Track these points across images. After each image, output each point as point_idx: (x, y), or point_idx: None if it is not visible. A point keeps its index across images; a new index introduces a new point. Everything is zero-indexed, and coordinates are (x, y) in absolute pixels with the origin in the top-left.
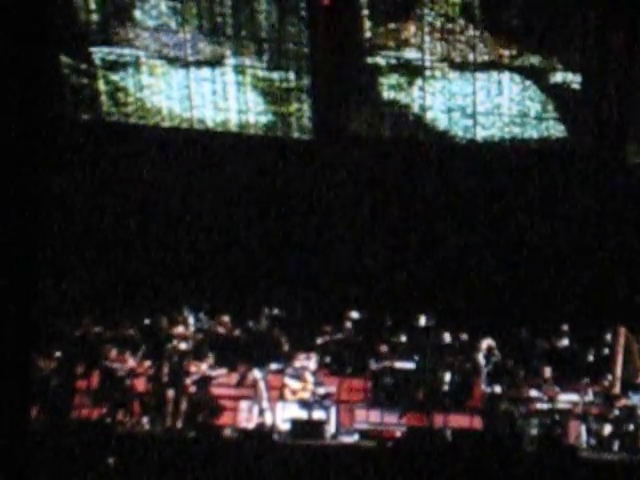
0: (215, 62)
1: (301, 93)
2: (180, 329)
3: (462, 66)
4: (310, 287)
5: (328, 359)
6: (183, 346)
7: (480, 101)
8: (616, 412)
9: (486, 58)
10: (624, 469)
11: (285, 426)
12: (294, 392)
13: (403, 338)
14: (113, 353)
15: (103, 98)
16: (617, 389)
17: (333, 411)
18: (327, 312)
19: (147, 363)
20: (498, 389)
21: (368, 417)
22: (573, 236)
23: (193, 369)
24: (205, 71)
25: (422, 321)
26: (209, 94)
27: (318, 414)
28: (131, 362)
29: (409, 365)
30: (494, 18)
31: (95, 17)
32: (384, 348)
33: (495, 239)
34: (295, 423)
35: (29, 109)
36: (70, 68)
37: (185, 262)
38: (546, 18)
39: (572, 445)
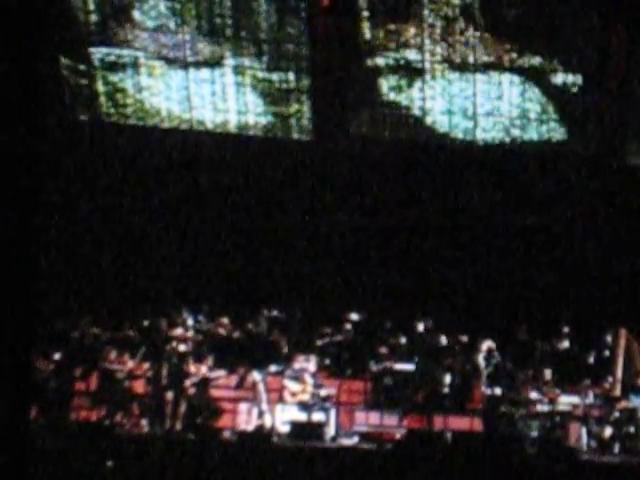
0: (214, 63)
1: (301, 94)
2: (179, 331)
3: (462, 67)
4: (309, 288)
5: (327, 361)
6: (182, 348)
7: (480, 102)
8: (617, 414)
9: (486, 59)
10: (625, 472)
11: (284, 428)
12: (293, 394)
13: (403, 340)
14: (112, 355)
15: (102, 99)
16: (618, 391)
17: (333, 413)
18: (326, 314)
19: (146, 365)
20: (498, 391)
21: (368, 419)
22: (573, 237)
23: (192, 371)
24: (204, 72)
25: (422, 323)
26: (208, 95)
27: (317, 416)
28: (130, 364)
29: (409, 367)
30: (494, 19)
31: (94, 18)
32: (384, 350)
33: (495, 240)
34: (294, 425)
35: (27, 110)
36: (69, 69)
37: (184, 263)
38: (546, 19)
39: (572, 447)
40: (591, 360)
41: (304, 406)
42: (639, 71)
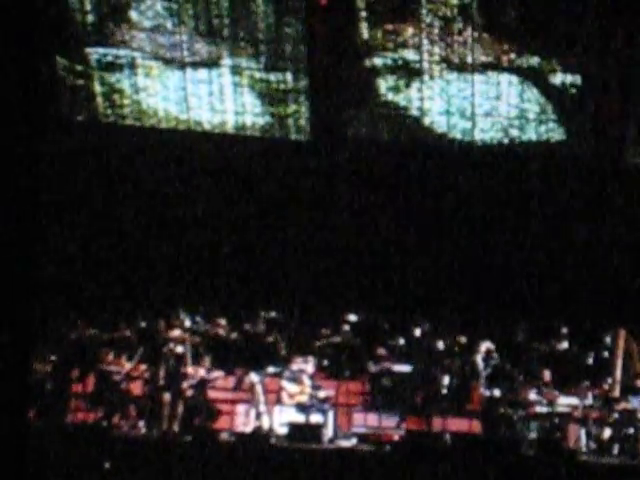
0: (212, 63)
1: (299, 95)
2: (176, 332)
3: (460, 68)
4: (307, 290)
5: (326, 362)
6: (179, 349)
7: (479, 103)
8: (616, 416)
9: (485, 59)
10: (624, 473)
11: (282, 430)
12: (291, 396)
13: (401, 341)
14: (109, 356)
15: (99, 99)
16: (617, 392)
17: (331, 415)
18: (324, 315)
19: (143, 366)
20: (497, 392)
21: (366, 421)
22: (572, 238)
23: (190, 372)
24: (202, 72)
25: (420, 324)
26: (206, 95)
27: (315, 418)
28: (127, 365)
29: (407, 368)
30: (493, 19)
31: (90, 18)
32: (382, 351)
33: (493, 242)
34: (292, 427)
35: (24, 110)
36: (65, 69)
37: (181, 264)
38: (545, 19)
39: (572, 449)
40: (590, 361)
41: (302, 407)
42: (638, 71)
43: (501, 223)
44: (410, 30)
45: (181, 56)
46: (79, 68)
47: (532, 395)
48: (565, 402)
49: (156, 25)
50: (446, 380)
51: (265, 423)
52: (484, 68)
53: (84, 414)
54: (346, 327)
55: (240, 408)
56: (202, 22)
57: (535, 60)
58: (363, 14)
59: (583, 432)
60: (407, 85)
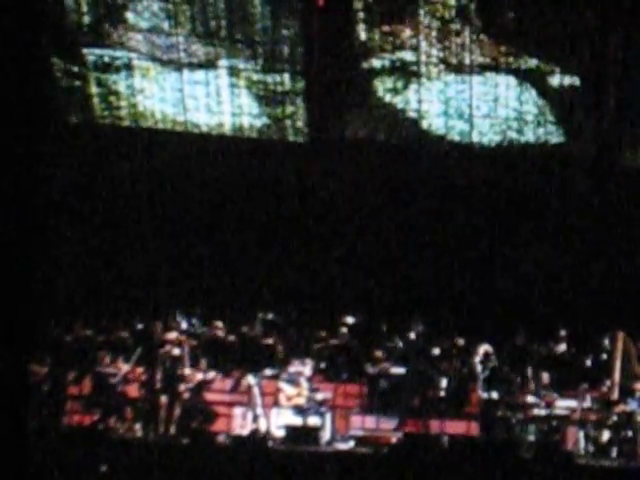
0: (209, 65)
1: (296, 96)
2: (173, 334)
3: (458, 69)
4: (305, 292)
5: (323, 365)
6: (176, 351)
7: (476, 105)
8: (614, 418)
9: (482, 61)
10: (622, 476)
11: (280, 432)
12: (289, 398)
13: (399, 343)
14: (106, 359)
15: (95, 101)
16: (615, 395)
17: (328, 417)
18: (322, 317)
19: (140, 369)
20: (495, 395)
21: (364, 423)
22: (571, 240)
23: (186, 375)
24: (199, 74)
25: (418, 326)
26: (203, 97)
27: (313, 420)
28: (124, 368)
29: (405, 371)
30: (490, 20)
31: (87, 19)
32: (380, 353)
33: (492, 243)
34: (290, 429)
35: (20, 111)
36: (62, 70)
37: (178, 266)
38: (543, 20)
39: (570, 451)
40: (588, 363)
41: (299, 410)
42: (636, 72)
43: (499, 224)
44: (408, 32)
45: (178, 57)
46: (76, 69)
47: (530, 397)
48: (563, 404)
49: (153, 26)
50: (444, 382)
51: (262, 426)
52: (482, 70)
53: (80, 416)
54: (344, 329)
55: (237, 411)
56: (199, 23)
57: (533, 62)
58: (360, 16)
59: (581, 435)
60: (405, 87)
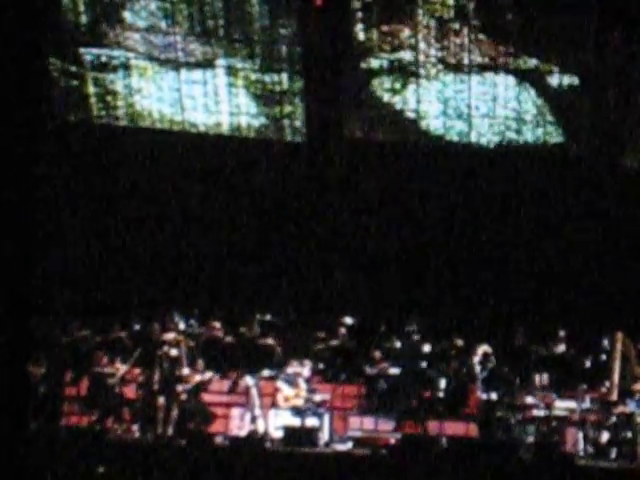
0: (206, 64)
1: (294, 95)
2: (171, 335)
3: (457, 69)
4: (304, 293)
5: (322, 366)
6: (174, 352)
7: (475, 104)
8: (613, 419)
9: (481, 61)
10: (621, 477)
11: (278, 433)
12: (287, 399)
13: (398, 344)
14: (103, 359)
15: (93, 100)
16: (614, 396)
17: (326, 418)
18: (320, 318)
19: (138, 369)
20: (494, 396)
21: (362, 424)
22: (570, 241)
23: (184, 375)
24: (196, 73)
25: (417, 327)
26: (200, 96)
27: (311, 421)
28: (121, 368)
29: (404, 372)
30: (489, 20)
31: (84, 18)
32: (378, 354)
33: (491, 244)
34: (288, 430)
35: (18, 111)
36: (59, 70)
37: (177, 267)
38: (543, 20)
39: (569, 453)
40: (588, 364)
41: (298, 411)
42: (635, 72)
43: (498, 225)
44: (406, 31)
45: (175, 57)
46: (73, 69)
47: (529, 398)
48: (562, 405)
49: (150, 26)
50: (443, 383)
51: (260, 427)
52: (481, 70)
53: (78, 417)
54: (342, 330)
55: (235, 411)
56: (197, 23)
57: (532, 62)
58: (359, 15)
59: (581, 435)
60: (403, 86)
